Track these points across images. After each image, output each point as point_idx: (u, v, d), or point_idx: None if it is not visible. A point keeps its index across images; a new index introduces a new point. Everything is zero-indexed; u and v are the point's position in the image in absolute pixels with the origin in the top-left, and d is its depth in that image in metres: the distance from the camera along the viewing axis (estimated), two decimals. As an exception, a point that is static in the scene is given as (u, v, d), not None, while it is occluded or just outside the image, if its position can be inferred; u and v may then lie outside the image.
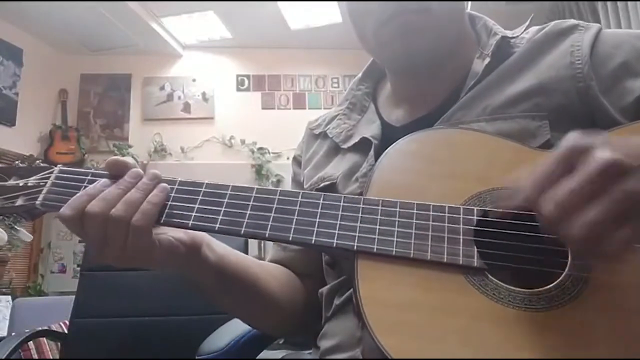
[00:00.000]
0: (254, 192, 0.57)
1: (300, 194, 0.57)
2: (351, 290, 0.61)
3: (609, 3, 3.10)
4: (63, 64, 4.38)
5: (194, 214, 0.57)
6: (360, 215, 0.54)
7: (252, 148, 4.33)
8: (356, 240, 0.52)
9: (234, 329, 1.00)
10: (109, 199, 0.54)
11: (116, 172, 0.58)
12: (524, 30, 0.69)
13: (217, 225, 0.56)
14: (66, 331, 1.73)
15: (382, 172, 0.57)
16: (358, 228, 0.53)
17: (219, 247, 0.64)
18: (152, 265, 0.58)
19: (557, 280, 0.47)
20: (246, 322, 0.77)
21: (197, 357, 0.97)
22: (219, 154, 4.40)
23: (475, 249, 0.50)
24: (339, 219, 0.54)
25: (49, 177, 0.61)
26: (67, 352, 1.63)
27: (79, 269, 2.61)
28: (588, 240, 0.39)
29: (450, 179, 0.55)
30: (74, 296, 1.65)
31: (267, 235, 0.55)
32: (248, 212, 0.56)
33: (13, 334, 2.13)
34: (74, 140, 4.29)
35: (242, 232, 0.55)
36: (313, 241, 0.53)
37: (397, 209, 0.53)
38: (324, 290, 0.71)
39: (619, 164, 0.39)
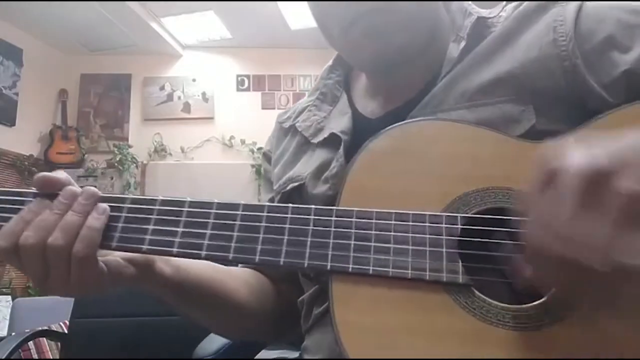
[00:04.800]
0: (214, 207, 0.51)
1: (266, 207, 0.51)
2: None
3: None
4: (63, 64, 4.38)
5: (148, 237, 0.51)
6: (332, 229, 0.49)
7: (252, 148, 4.33)
8: (329, 260, 0.47)
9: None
10: (44, 227, 0.49)
11: (49, 190, 0.52)
12: (502, 9, 0.65)
13: (175, 249, 0.50)
14: (66, 331, 1.73)
15: (355, 175, 0.52)
16: (331, 245, 0.48)
17: (176, 259, 0.59)
18: (100, 291, 0.53)
19: (546, 296, 0.44)
20: (215, 331, 0.72)
21: (193, 358, 0.96)
22: (219, 154, 4.40)
23: (460, 264, 0.46)
24: (310, 235, 0.49)
25: None
26: (67, 352, 1.63)
27: (79, 269, 2.59)
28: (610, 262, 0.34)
29: (430, 180, 0.50)
30: (74, 296, 1.65)
31: (230, 257, 0.50)
32: (208, 231, 0.51)
33: (13, 334, 2.13)
34: (74, 140, 4.29)
35: (203, 255, 0.50)
36: (282, 262, 0.49)
37: (374, 221, 0.48)
38: (304, 298, 0.67)
39: (600, 170, 0.34)
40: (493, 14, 0.64)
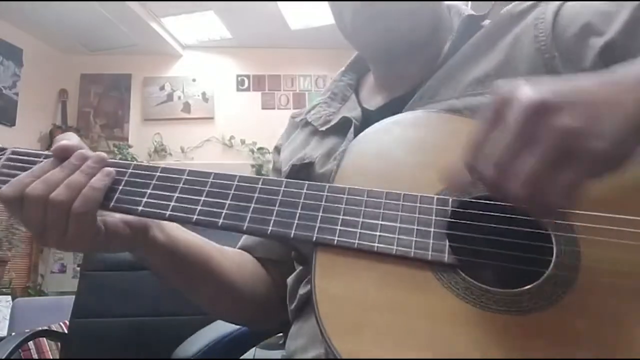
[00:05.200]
0: (211, 177, 0.54)
1: (261, 180, 0.53)
2: None
3: None
4: (63, 64, 4.38)
5: (144, 199, 0.54)
6: (323, 203, 0.49)
7: (252, 148, 4.33)
8: (316, 231, 0.48)
9: (208, 334, 0.99)
10: (51, 182, 0.52)
11: (65, 156, 0.56)
12: (492, 7, 0.70)
13: (168, 212, 0.53)
14: (66, 331, 1.73)
15: (351, 157, 0.53)
16: (319, 218, 0.49)
17: (171, 229, 0.62)
18: (94, 249, 0.57)
19: (539, 280, 0.43)
20: (202, 306, 0.74)
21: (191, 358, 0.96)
22: (219, 154, 4.40)
23: (447, 243, 0.45)
24: (300, 207, 0.50)
25: (0, 158, 0.59)
26: (67, 352, 1.63)
27: (79, 269, 2.60)
28: (533, 195, 0.36)
29: (424, 167, 0.51)
30: (74, 296, 1.65)
31: (219, 224, 0.51)
32: (202, 198, 0.52)
33: (13, 334, 2.13)
34: (74, 140, 4.29)
35: (194, 219, 0.52)
36: (269, 231, 0.49)
37: (365, 198, 0.49)
38: (290, 279, 0.69)
39: (544, 103, 0.35)
40: (482, 13, 0.70)
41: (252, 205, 0.51)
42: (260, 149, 4.31)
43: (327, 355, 0.54)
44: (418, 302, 0.44)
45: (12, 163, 0.58)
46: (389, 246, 0.46)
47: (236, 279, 0.69)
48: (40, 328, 1.98)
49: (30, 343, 2.37)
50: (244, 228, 0.50)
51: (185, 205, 0.53)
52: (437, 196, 0.48)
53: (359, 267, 0.46)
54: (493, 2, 0.71)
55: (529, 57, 0.60)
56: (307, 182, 0.52)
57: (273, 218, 0.50)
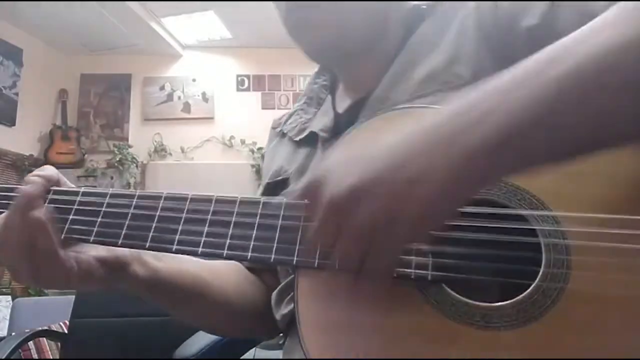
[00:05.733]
0: (188, 201, 0.52)
1: (238, 201, 0.51)
2: None
3: None
4: (63, 64, 4.38)
5: (95, 228, 0.52)
6: (301, 224, 0.47)
7: (252, 148, 4.33)
8: (295, 254, 0.47)
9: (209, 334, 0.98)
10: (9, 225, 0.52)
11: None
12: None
13: (120, 240, 0.51)
14: (66, 331, 1.73)
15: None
16: (298, 240, 0.47)
17: (154, 261, 0.59)
18: (70, 287, 0.55)
19: (525, 293, 0.42)
20: (205, 330, 0.73)
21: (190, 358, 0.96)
22: (219, 154, 4.40)
23: (430, 259, 0.44)
24: (278, 230, 0.48)
25: None
26: (67, 352, 1.63)
27: (79, 269, 2.60)
28: (358, 273, 0.40)
29: None
30: (74, 296, 1.65)
31: (199, 252, 0.50)
32: (180, 227, 0.51)
33: (13, 334, 2.13)
34: (74, 140, 4.29)
35: (174, 249, 0.51)
36: (249, 257, 0.48)
37: None
38: (275, 293, 0.68)
39: (338, 204, 0.39)
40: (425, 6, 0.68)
41: (230, 231, 0.50)
42: (260, 149, 4.31)
43: None
44: (403, 321, 0.43)
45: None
46: None
47: (230, 296, 0.68)
48: (40, 328, 1.98)
49: (30, 343, 2.36)
50: (224, 255, 0.49)
51: (164, 236, 0.51)
52: None
53: (342, 289, 0.45)
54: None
55: (475, 46, 0.59)
56: (284, 201, 0.50)
57: (252, 243, 0.49)
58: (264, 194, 0.71)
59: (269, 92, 4.53)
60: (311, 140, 0.69)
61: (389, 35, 0.68)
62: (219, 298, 0.66)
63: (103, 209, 0.53)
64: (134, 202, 0.53)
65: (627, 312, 0.39)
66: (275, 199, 0.51)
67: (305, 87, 0.80)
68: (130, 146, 4.35)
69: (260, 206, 0.50)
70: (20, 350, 2.19)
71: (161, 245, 0.51)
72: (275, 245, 0.48)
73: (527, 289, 0.42)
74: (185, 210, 0.51)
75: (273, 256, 0.48)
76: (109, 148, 4.33)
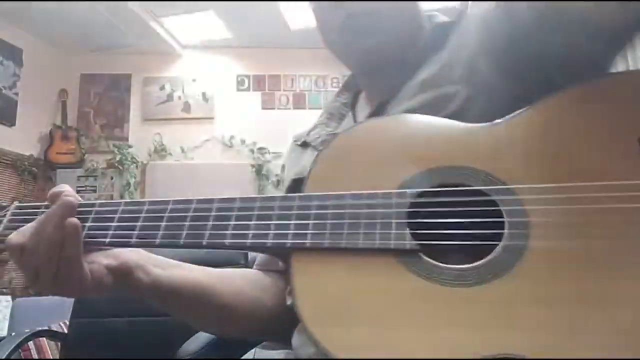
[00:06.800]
0: (194, 202, 0.58)
1: (237, 199, 0.58)
2: None
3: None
4: (63, 64, 4.38)
5: (110, 231, 0.59)
6: (295, 212, 0.54)
7: (252, 148, 4.33)
8: (289, 238, 0.53)
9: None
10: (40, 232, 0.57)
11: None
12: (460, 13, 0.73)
13: (134, 240, 0.58)
14: (66, 331, 1.73)
15: (318, 167, 0.59)
16: (292, 225, 0.54)
17: (156, 268, 0.63)
18: (85, 294, 0.59)
19: (492, 253, 0.47)
20: (213, 332, 0.76)
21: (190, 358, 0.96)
22: (219, 154, 4.40)
23: (408, 231, 0.50)
24: (275, 218, 0.55)
25: (5, 214, 0.65)
26: (67, 352, 1.63)
27: (79, 269, 2.60)
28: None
29: (384, 166, 0.56)
30: (73, 296, 1.65)
31: (204, 243, 0.56)
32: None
33: (13, 334, 2.13)
34: (74, 140, 4.29)
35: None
36: (248, 244, 0.55)
37: (330, 202, 0.54)
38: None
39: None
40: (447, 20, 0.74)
41: (232, 223, 0.56)
42: (260, 149, 4.32)
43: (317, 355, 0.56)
44: (385, 285, 0.49)
45: (17, 217, 0.64)
46: (355, 241, 0.51)
47: (242, 300, 0.69)
48: (40, 328, 1.98)
49: (30, 343, 2.37)
50: (227, 244, 0.55)
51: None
52: (395, 190, 0.53)
53: (331, 262, 0.51)
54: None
55: (470, 53, 0.63)
56: (280, 194, 0.57)
57: (251, 232, 0.55)
58: (288, 190, 0.75)
59: (269, 92, 4.53)
60: None
61: (418, 45, 0.72)
62: (229, 305, 0.68)
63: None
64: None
65: (580, 261, 0.45)
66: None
67: (325, 106, 0.84)
68: (130, 146, 4.35)
69: (258, 199, 0.57)
70: (20, 350, 2.19)
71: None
72: (271, 232, 0.54)
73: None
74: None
75: (269, 241, 0.54)
76: (109, 148, 4.33)
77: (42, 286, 0.58)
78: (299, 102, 4.50)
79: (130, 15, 3.75)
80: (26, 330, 1.78)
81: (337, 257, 0.51)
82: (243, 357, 0.79)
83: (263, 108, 4.50)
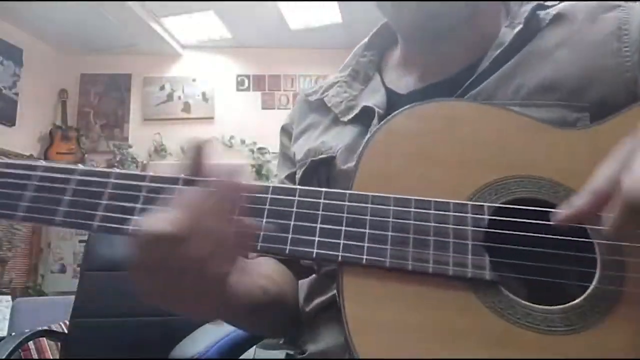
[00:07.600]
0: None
1: (271, 188, 0.46)
2: (334, 291, 0.53)
3: None
4: (63, 64, 4.38)
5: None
6: (345, 215, 0.43)
7: (252, 148, 4.33)
8: (341, 249, 0.43)
9: (208, 334, 0.98)
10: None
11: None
12: (558, 3, 0.62)
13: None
14: (66, 331, 1.73)
15: (372, 156, 0.47)
16: (343, 233, 0.43)
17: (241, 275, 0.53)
18: (204, 316, 0.51)
19: (584, 295, 0.40)
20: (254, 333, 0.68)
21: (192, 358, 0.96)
22: (219, 154, 4.39)
23: (487, 258, 0.41)
24: (319, 221, 0.44)
25: None
26: (67, 352, 1.63)
27: (79, 269, 2.60)
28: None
29: (453, 165, 0.45)
30: (74, 296, 1.65)
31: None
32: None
33: (13, 334, 2.13)
34: (74, 140, 4.29)
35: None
36: (287, 251, 0.43)
37: (391, 207, 0.43)
38: (304, 282, 0.63)
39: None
40: (549, 5, 0.62)
41: (264, 220, 0.44)
42: (260, 149, 4.31)
43: None
44: (460, 324, 0.40)
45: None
46: (425, 264, 0.41)
47: (292, 297, 0.64)
48: (40, 328, 1.98)
49: (30, 343, 2.37)
50: (258, 248, 0.44)
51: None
52: (471, 203, 0.43)
53: (392, 287, 0.42)
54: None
55: (608, 72, 0.54)
56: (324, 189, 0.45)
57: (290, 235, 0.44)
58: (306, 172, 0.64)
59: (269, 92, 4.53)
60: (364, 119, 0.62)
61: (484, 21, 0.63)
62: (290, 305, 0.63)
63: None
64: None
65: None
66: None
67: (349, 58, 0.73)
68: (130, 146, 4.35)
69: (297, 194, 0.45)
70: (20, 350, 2.18)
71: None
72: (317, 239, 0.43)
73: (584, 291, 0.41)
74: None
75: (315, 251, 0.43)
76: (109, 148, 4.33)
77: (171, 307, 0.47)
78: (299, 102, 4.50)
79: (130, 15, 3.74)
80: (26, 330, 1.78)
81: (399, 279, 0.42)
82: (243, 357, 0.78)
83: (263, 108, 4.50)
